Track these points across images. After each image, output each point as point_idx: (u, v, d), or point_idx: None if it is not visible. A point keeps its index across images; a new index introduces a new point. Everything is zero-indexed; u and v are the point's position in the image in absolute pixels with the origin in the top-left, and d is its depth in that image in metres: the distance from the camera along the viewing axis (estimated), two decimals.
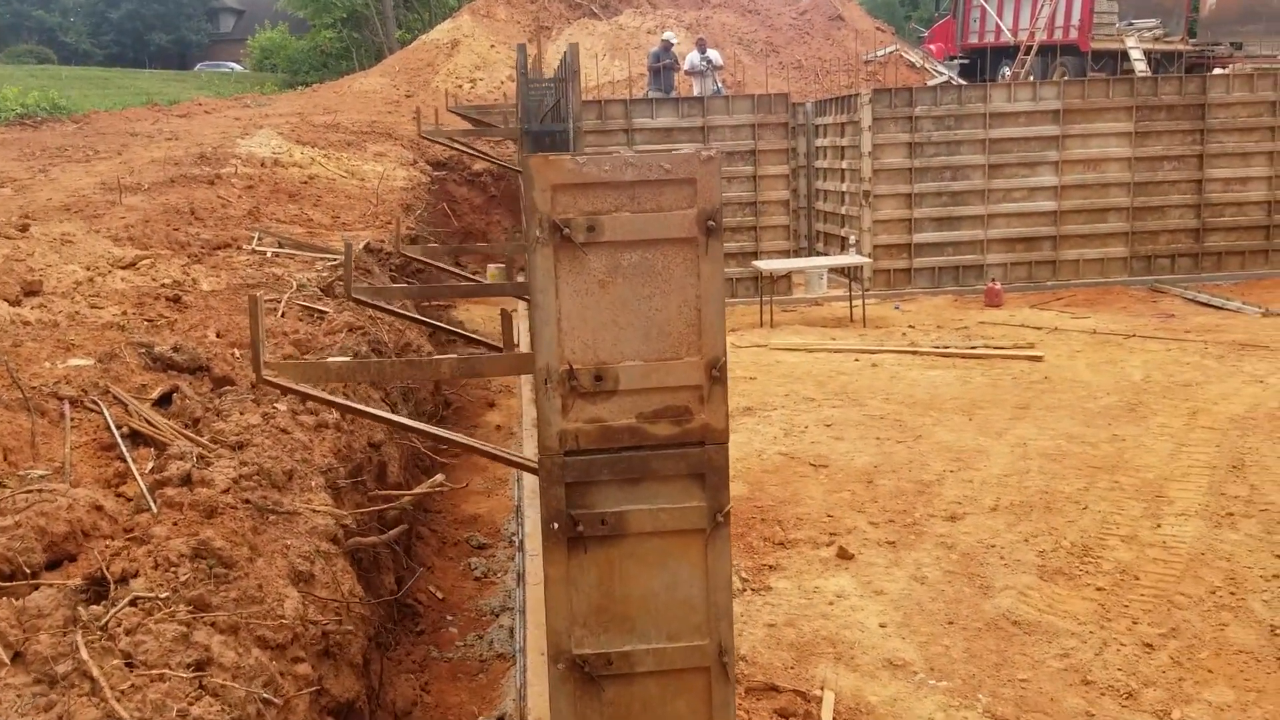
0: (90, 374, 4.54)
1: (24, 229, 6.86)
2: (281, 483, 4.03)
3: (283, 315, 6.15)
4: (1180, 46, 20.92)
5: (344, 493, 4.68)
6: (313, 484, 4.26)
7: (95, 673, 2.41)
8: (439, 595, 5.72)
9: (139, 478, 3.68)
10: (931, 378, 9.39)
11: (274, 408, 4.58)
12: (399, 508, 5.12)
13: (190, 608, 2.90)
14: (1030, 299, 13.18)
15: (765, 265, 12.85)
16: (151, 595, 2.86)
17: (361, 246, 8.40)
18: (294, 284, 6.85)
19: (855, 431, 7.84)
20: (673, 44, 18.51)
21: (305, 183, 11.83)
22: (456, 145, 13.62)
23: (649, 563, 2.72)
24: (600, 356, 2.62)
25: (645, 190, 2.56)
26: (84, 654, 2.46)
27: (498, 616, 5.52)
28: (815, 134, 15.52)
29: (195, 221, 8.60)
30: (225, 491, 3.65)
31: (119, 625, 2.69)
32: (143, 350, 4.82)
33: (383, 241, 8.95)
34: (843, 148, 14.42)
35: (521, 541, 5.98)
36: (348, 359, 4.24)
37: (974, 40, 24.17)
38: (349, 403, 3.46)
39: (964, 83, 20.49)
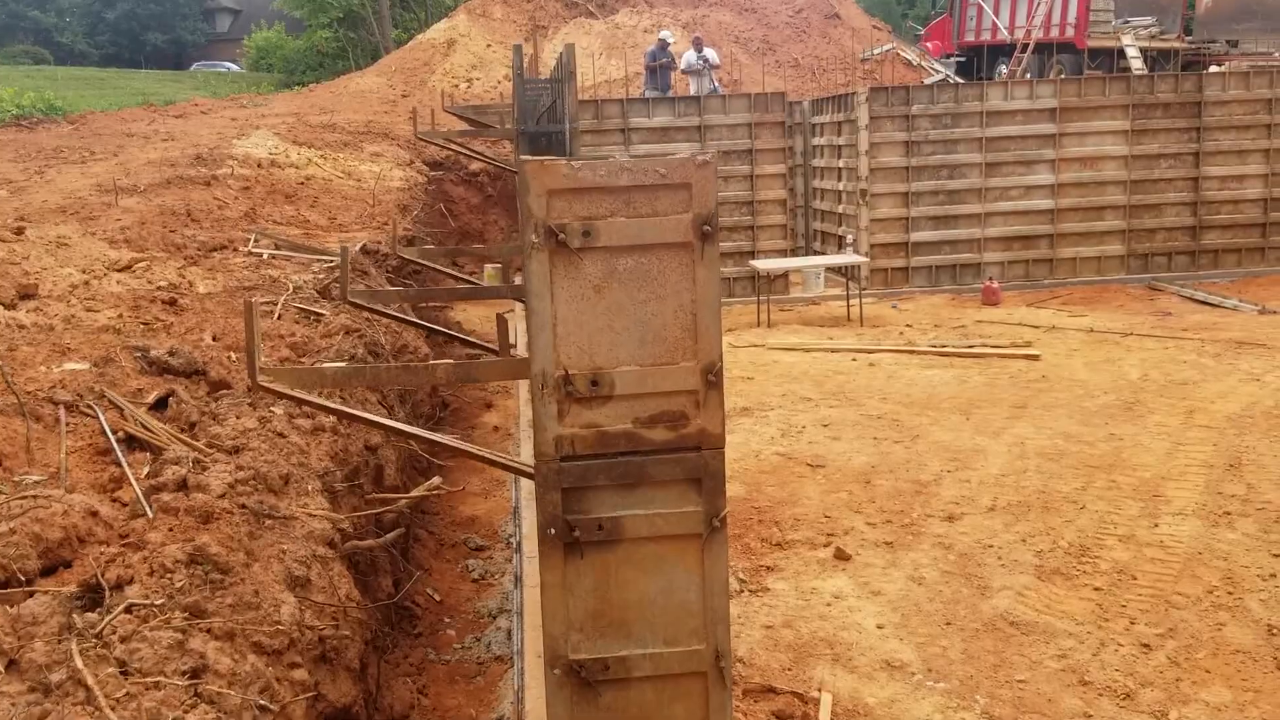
0: (86, 378, 4.53)
1: (19, 232, 6.84)
2: (278, 487, 4.02)
3: (279, 318, 6.14)
4: (1176, 44, 20.92)
5: (341, 496, 4.68)
6: (309, 488, 4.25)
7: (89, 681, 2.41)
8: (436, 597, 5.72)
9: (134, 483, 3.68)
10: (929, 377, 9.39)
11: (271, 411, 4.57)
12: (396, 510, 5.12)
13: (186, 614, 2.89)
14: (1027, 297, 13.19)
15: (762, 265, 12.84)
16: (147, 602, 2.86)
17: (358, 248, 8.38)
18: (290, 286, 6.84)
19: (853, 431, 7.84)
20: (669, 43, 18.49)
21: (302, 184, 11.81)
22: (452, 146, 13.62)
23: (645, 568, 2.72)
24: (596, 362, 2.61)
25: (640, 195, 2.56)
26: (78, 662, 2.46)
27: (495, 619, 5.51)
28: (812, 133, 15.52)
29: (191, 223, 8.58)
30: (221, 496, 3.65)
31: (114, 632, 2.68)
32: (138, 354, 4.81)
33: (379, 243, 8.93)
34: (839, 146, 14.42)
35: (519, 543, 5.98)
36: (343, 365, 4.23)
37: (971, 38, 24.17)
38: (344, 408, 3.45)
39: (961, 81, 20.48)
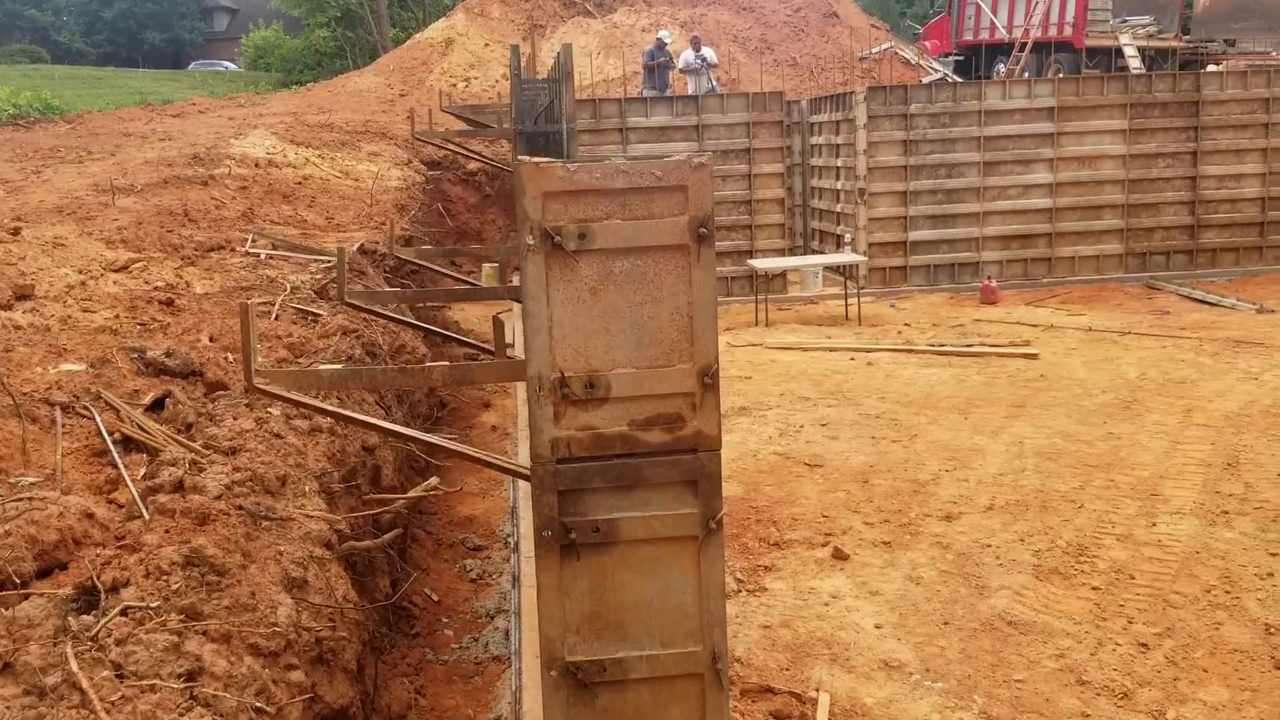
0: (82, 379, 4.52)
1: (16, 232, 6.82)
2: (275, 488, 4.02)
3: (276, 318, 6.13)
4: (1174, 43, 20.93)
5: (338, 497, 4.67)
6: (306, 489, 4.25)
7: (84, 684, 2.40)
8: (434, 597, 5.72)
9: (131, 484, 3.67)
10: (927, 376, 9.39)
11: (268, 412, 4.57)
12: (394, 511, 5.11)
13: (182, 616, 2.89)
14: (1026, 296, 13.19)
15: (760, 264, 12.84)
16: (143, 604, 2.85)
17: (355, 248, 8.38)
18: (288, 286, 6.83)
19: (851, 431, 7.84)
20: (667, 42, 18.49)
21: (299, 183, 11.80)
22: (450, 146, 13.60)
23: (642, 570, 2.72)
24: (592, 364, 2.61)
25: (636, 197, 2.55)
26: (73, 665, 2.45)
27: (493, 619, 5.51)
28: (810, 132, 15.51)
29: (189, 223, 8.57)
30: (218, 498, 3.64)
31: (109, 635, 2.68)
32: (135, 355, 4.81)
33: (377, 243, 8.93)
34: (838, 145, 14.41)
35: (516, 543, 5.97)
36: (339, 367, 4.23)
37: (969, 37, 24.17)
38: (341, 410, 3.45)
39: (959, 80, 20.49)
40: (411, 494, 5.34)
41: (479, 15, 25.14)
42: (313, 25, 34.73)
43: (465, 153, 14.07)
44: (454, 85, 21.84)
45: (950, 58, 24.22)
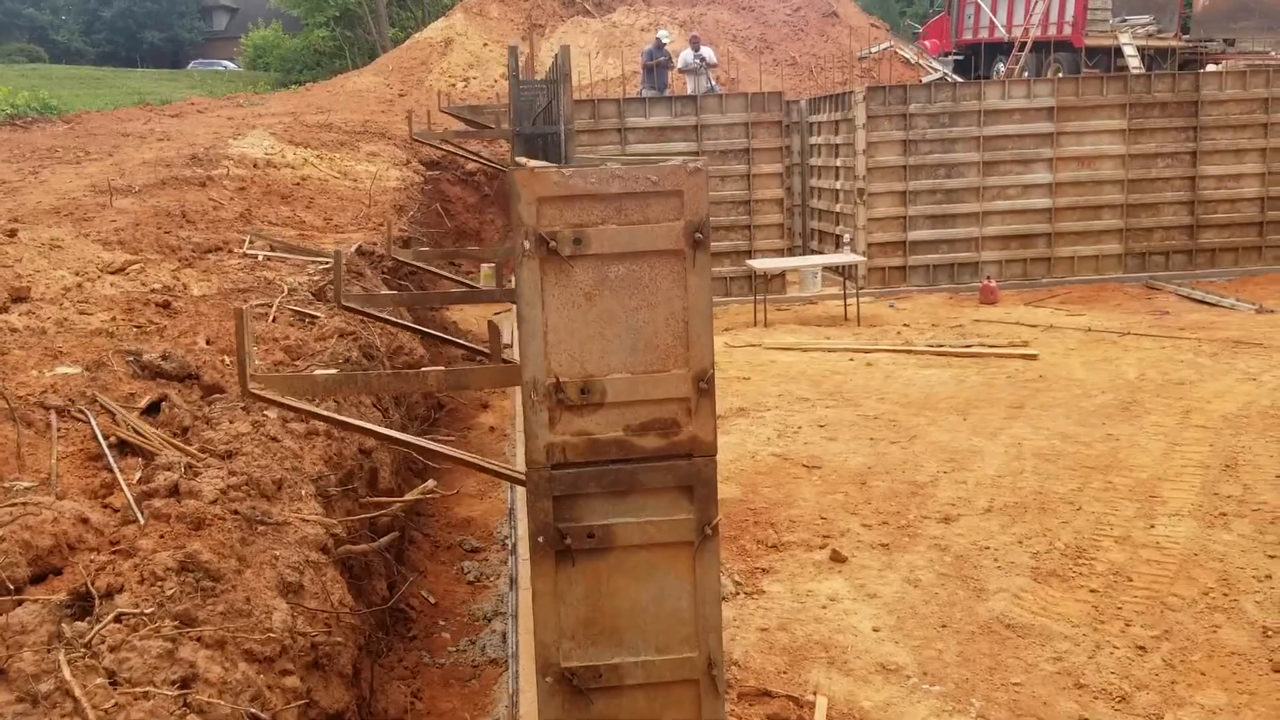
0: (78, 382, 4.51)
1: (12, 234, 6.81)
2: (271, 492, 4.01)
3: (274, 320, 6.12)
4: (1173, 43, 20.92)
5: (335, 500, 4.66)
6: (303, 492, 4.24)
7: (77, 692, 2.39)
8: (431, 600, 5.71)
9: (126, 489, 3.66)
10: (926, 377, 9.38)
11: (264, 415, 4.55)
12: (390, 514, 5.10)
13: (176, 623, 2.88)
14: (1025, 296, 13.19)
15: (759, 264, 12.83)
16: (136, 611, 2.84)
17: (353, 249, 8.36)
18: (285, 288, 6.82)
19: (849, 432, 7.83)
20: (666, 42, 18.48)
21: (298, 184, 11.79)
22: (447, 148, 13.59)
23: (637, 575, 2.71)
24: (587, 369, 2.60)
25: (632, 202, 2.54)
26: (66, 673, 2.44)
27: (490, 621, 5.50)
28: (809, 131, 15.49)
29: (186, 224, 8.56)
30: (213, 502, 3.63)
31: (103, 642, 2.67)
32: (131, 358, 4.80)
33: (375, 244, 8.91)
34: (837, 145, 14.40)
35: (514, 545, 5.97)
36: (334, 372, 4.22)
37: (968, 36, 24.16)
38: (336, 416, 3.44)
39: (958, 79, 20.47)
40: (408, 497, 5.33)
41: (478, 15, 25.13)
42: (312, 25, 34.70)
43: (463, 154, 14.06)
44: (453, 85, 21.83)
45: (950, 57, 24.20)
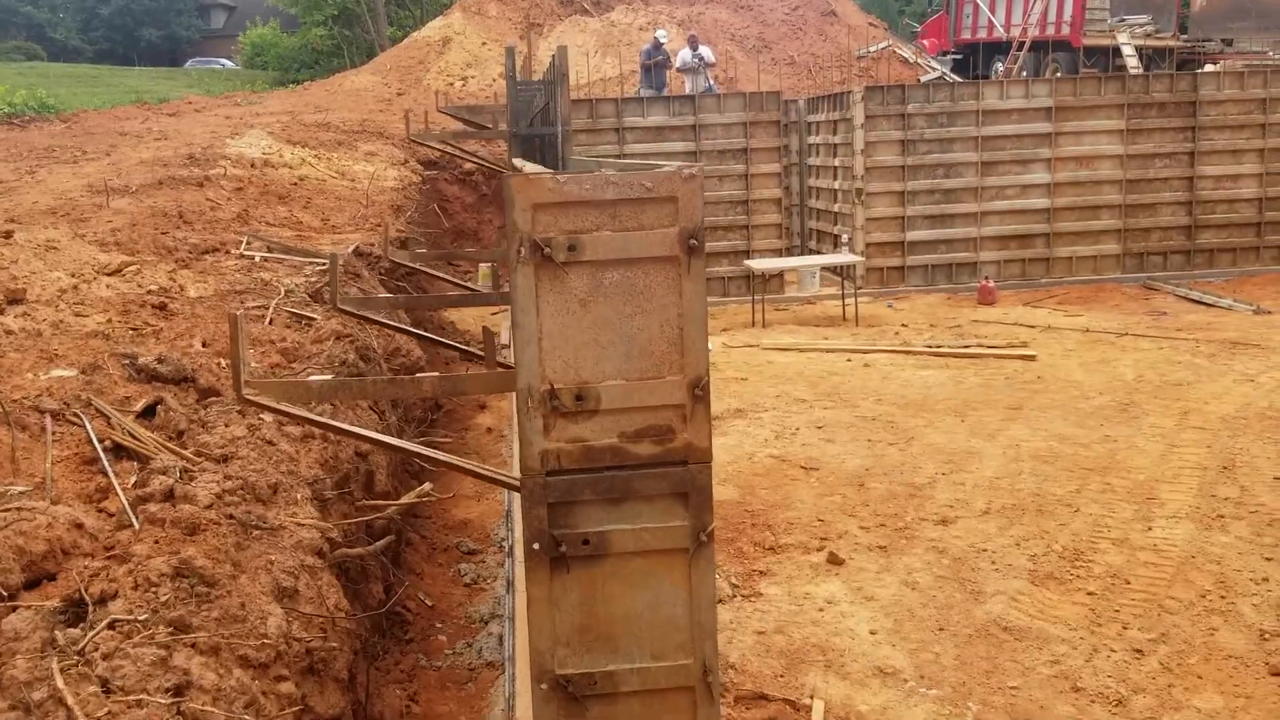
0: (73, 385, 4.50)
1: (8, 235, 6.80)
2: (266, 496, 4.00)
3: (270, 322, 6.11)
4: (1171, 43, 20.92)
5: (331, 503, 4.65)
6: (298, 496, 4.22)
7: (70, 700, 2.38)
8: (428, 602, 5.70)
9: (121, 493, 3.65)
10: (924, 378, 9.38)
11: (260, 419, 4.54)
12: (387, 517, 5.09)
13: (170, 629, 2.87)
14: (1024, 296, 13.19)
15: (757, 264, 12.82)
16: (131, 617, 2.83)
17: (351, 250, 8.35)
18: (282, 290, 6.81)
19: (847, 434, 7.83)
20: (664, 41, 18.47)
21: (295, 184, 11.77)
22: (445, 149, 13.57)
23: (632, 582, 2.70)
24: (582, 376, 2.59)
25: (626, 209, 2.53)
26: (59, 681, 2.43)
27: (487, 624, 5.49)
28: (808, 131, 15.49)
29: (183, 225, 8.54)
30: (209, 507, 3.62)
31: (96, 649, 2.66)
32: (127, 361, 4.78)
33: (372, 245, 8.90)
34: (835, 145, 14.39)
35: (511, 547, 5.95)
36: (329, 378, 4.21)
37: (967, 36, 24.16)
38: (331, 422, 3.43)
39: (957, 79, 20.47)
40: (404, 500, 5.32)
41: (476, 14, 25.10)
42: (310, 23, 34.66)
43: (460, 155, 14.05)
44: (451, 84, 21.81)
45: (948, 56, 24.20)
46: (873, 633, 4.99)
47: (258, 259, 7.71)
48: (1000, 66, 21.39)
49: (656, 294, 2.57)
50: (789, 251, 14.62)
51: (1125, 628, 4.92)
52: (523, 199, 2.49)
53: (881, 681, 4.59)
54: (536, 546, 2.66)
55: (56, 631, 2.76)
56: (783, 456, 7.38)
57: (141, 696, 2.53)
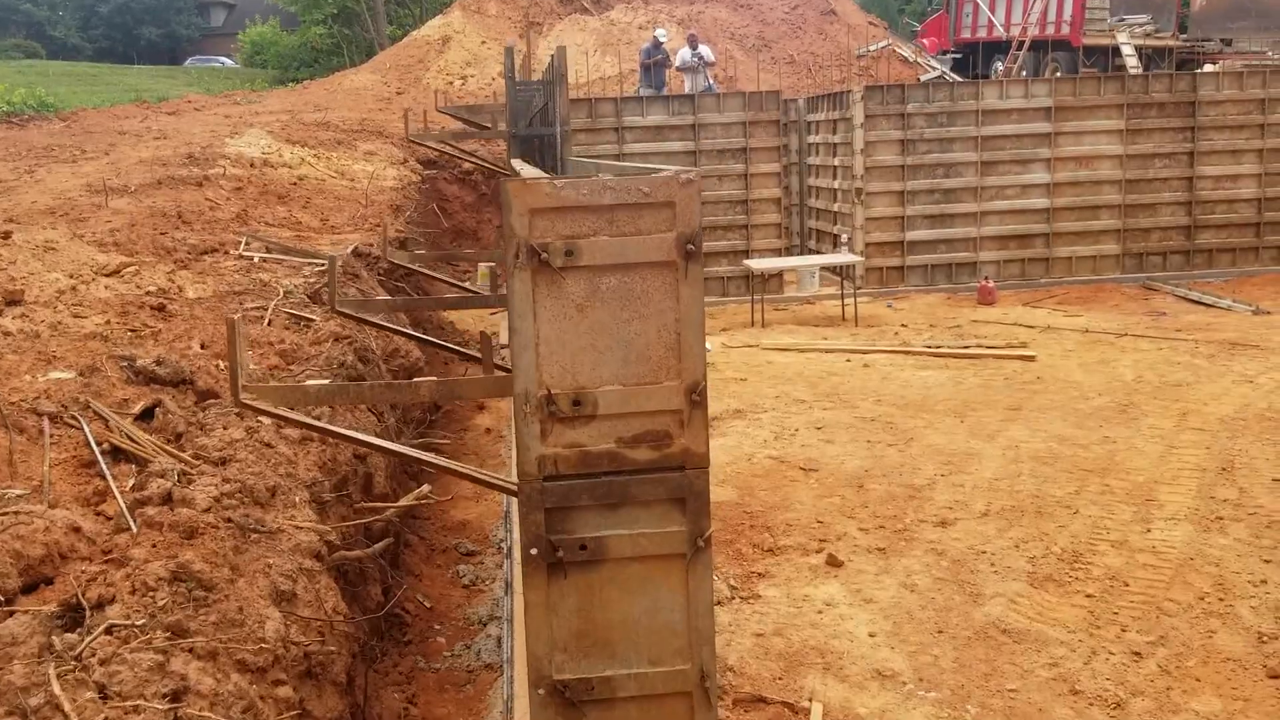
0: (71, 388, 4.50)
1: (6, 235, 6.79)
2: (265, 499, 4.00)
3: (269, 324, 6.11)
4: (1171, 43, 20.91)
5: (329, 506, 4.65)
6: (297, 499, 4.22)
7: (66, 706, 2.38)
8: (427, 604, 5.70)
9: (118, 496, 3.65)
10: (924, 378, 9.38)
11: (258, 421, 4.54)
12: (385, 520, 5.09)
13: (168, 634, 2.87)
14: (1023, 296, 13.18)
15: (757, 264, 12.81)
16: (128, 622, 2.83)
17: (350, 250, 8.34)
18: (281, 291, 6.81)
19: (846, 434, 7.82)
20: (663, 40, 18.46)
21: (294, 184, 11.76)
22: (444, 149, 13.56)
23: (629, 588, 2.69)
24: (579, 381, 2.59)
25: (624, 213, 2.53)
26: (55, 687, 2.43)
27: (485, 626, 5.49)
28: (807, 131, 15.48)
29: (182, 225, 8.53)
30: (207, 510, 3.62)
31: (93, 655, 2.66)
32: (125, 363, 4.78)
33: (371, 245, 8.90)
34: (835, 145, 14.39)
35: (509, 549, 5.95)
36: (327, 382, 4.21)
37: (967, 35, 24.15)
38: (328, 426, 3.43)
39: (957, 78, 20.46)
40: (402, 502, 5.32)
41: (476, 13, 25.09)
42: (309, 22, 34.62)
43: (459, 155, 14.04)
44: (450, 83, 21.79)
45: (948, 55, 24.19)
46: (871, 635, 4.99)
47: (256, 259, 7.70)
48: (1000, 66, 21.38)
49: (654, 299, 2.56)
50: (788, 251, 14.62)
51: (1124, 630, 4.92)
52: (520, 204, 2.49)
53: (880, 684, 4.59)
54: (534, 552, 2.66)
55: (53, 636, 2.76)
56: (782, 457, 7.38)
57: (138, 702, 2.53)
